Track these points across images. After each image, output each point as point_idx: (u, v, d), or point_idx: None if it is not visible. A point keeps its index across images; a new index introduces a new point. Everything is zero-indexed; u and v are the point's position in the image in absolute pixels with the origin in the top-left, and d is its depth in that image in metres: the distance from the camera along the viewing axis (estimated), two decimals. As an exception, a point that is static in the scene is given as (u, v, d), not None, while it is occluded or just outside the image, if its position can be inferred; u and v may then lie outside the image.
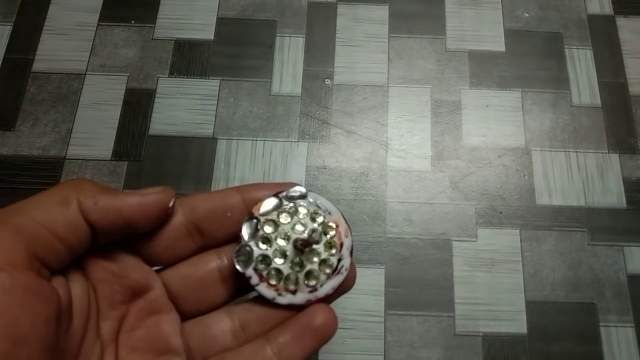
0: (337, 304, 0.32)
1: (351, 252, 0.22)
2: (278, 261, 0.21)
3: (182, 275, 0.21)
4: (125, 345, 0.20)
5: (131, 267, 0.20)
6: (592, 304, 0.33)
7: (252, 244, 0.21)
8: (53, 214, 0.17)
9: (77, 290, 0.18)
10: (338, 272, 0.21)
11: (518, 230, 0.34)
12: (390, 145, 0.36)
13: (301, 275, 0.21)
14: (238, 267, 0.20)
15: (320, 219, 0.21)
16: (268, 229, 0.21)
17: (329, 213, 0.22)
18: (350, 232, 0.22)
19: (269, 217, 0.21)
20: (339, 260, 0.21)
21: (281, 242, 0.21)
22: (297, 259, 0.21)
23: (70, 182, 0.19)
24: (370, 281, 0.33)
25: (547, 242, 0.34)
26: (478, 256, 0.34)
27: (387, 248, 0.34)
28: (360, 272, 0.33)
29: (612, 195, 0.35)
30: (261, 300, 0.21)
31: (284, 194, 0.21)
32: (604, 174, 0.36)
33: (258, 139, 0.36)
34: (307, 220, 0.21)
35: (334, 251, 0.21)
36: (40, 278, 0.17)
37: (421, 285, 0.33)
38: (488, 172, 0.36)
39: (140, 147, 0.36)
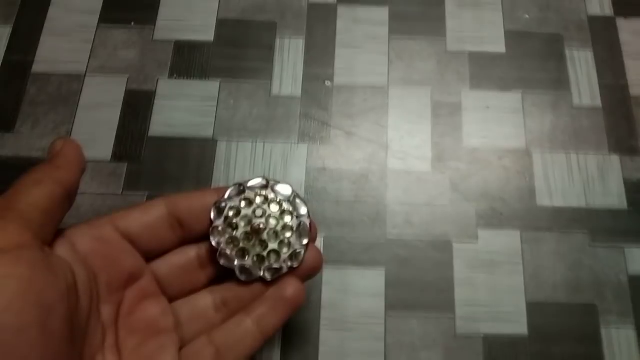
0: (338, 306, 0.32)
1: (308, 234, 0.25)
2: (242, 241, 0.24)
3: (167, 263, 0.24)
4: (124, 328, 0.22)
5: (126, 255, 0.23)
6: (592, 305, 0.33)
7: (220, 224, 0.24)
8: (36, 194, 0.20)
9: (80, 274, 0.20)
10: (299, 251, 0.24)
11: (519, 232, 0.34)
12: (391, 147, 0.36)
13: (265, 254, 0.24)
14: (213, 242, 0.24)
15: (275, 206, 0.25)
16: (230, 213, 0.24)
17: (288, 200, 0.25)
18: (306, 215, 0.25)
19: (232, 204, 0.24)
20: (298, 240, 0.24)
21: (242, 226, 0.24)
22: (257, 241, 0.24)
23: (32, 169, 0.21)
24: (371, 283, 0.33)
25: (548, 243, 0.34)
26: (478, 258, 0.34)
27: (387, 250, 0.34)
28: (360, 273, 0.33)
29: (613, 196, 0.35)
30: (237, 279, 0.24)
31: (247, 185, 0.25)
32: (604, 176, 0.36)
33: (258, 140, 0.36)
34: (265, 207, 0.25)
35: (289, 234, 0.24)
36: (49, 257, 0.19)
37: (422, 286, 0.33)
38: (488, 173, 0.36)
39: (140, 149, 0.36)
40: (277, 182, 0.25)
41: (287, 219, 0.24)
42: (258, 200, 0.24)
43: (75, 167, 0.22)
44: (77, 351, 0.19)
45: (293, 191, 0.25)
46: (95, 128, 0.36)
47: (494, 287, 0.33)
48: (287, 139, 0.36)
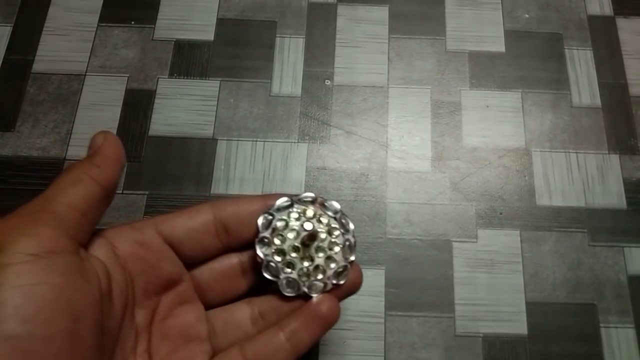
0: (337, 305, 0.32)
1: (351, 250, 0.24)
2: (289, 254, 0.23)
3: (209, 268, 0.24)
4: (157, 333, 0.22)
5: (166, 260, 0.22)
6: (592, 304, 0.33)
7: (267, 235, 0.23)
8: (74, 193, 0.19)
9: (117, 278, 0.20)
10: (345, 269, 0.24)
11: (518, 231, 0.34)
12: (391, 146, 0.36)
13: (311, 269, 0.23)
14: (259, 252, 0.23)
15: (325, 220, 0.24)
16: (279, 224, 0.24)
17: (335, 217, 0.24)
18: (350, 232, 0.25)
19: (281, 216, 0.24)
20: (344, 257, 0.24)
21: (290, 237, 0.23)
22: (306, 254, 0.24)
23: (71, 166, 0.21)
24: (371, 282, 0.33)
25: (548, 242, 0.34)
26: (478, 257, 0.34)
27: (387, 249, 0.34)
28: (360, 273, 0.33)
29: (613, 196, 0.35)
30: (277, 293, 0.23)
31: (296, 197, 0.24)
32: (604, 175, 0.36)
33: (258, 139, 0.36)
34: (314, 221, 0.24)
35: (337, 249, 0.24)
36: (84, 261, 0.19)
37: (421, 286, 0.33)
38: (488, 172, 0.36)
39: (140, 148, 0.36)
40: (325, 199, 0.25)
41: (335, 234, 0.24)
42: (308, 213, 0.24)
43: (115, 165, 0.21)
44: (107, 356, 0.19)
45: (340, 208, 0.25)
46: (96, 127, 0.36)
47: (494, 287, 0.33)
48: (287, 138, 0.36)
